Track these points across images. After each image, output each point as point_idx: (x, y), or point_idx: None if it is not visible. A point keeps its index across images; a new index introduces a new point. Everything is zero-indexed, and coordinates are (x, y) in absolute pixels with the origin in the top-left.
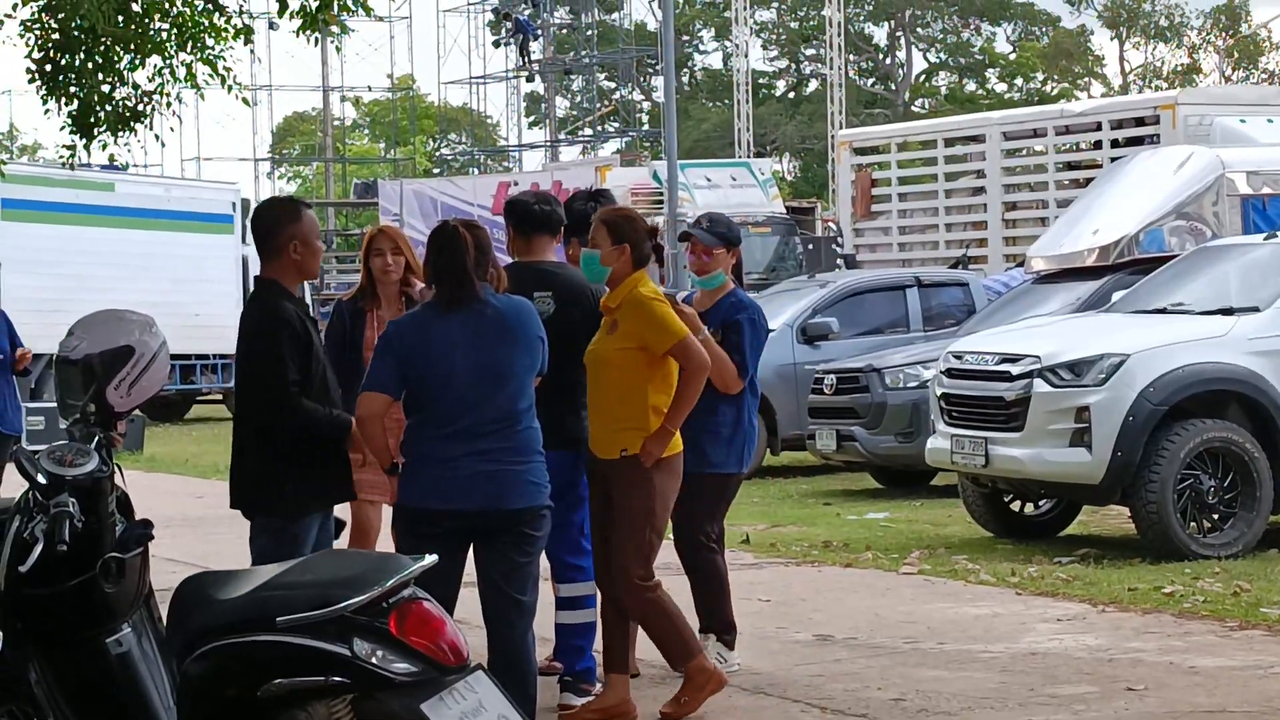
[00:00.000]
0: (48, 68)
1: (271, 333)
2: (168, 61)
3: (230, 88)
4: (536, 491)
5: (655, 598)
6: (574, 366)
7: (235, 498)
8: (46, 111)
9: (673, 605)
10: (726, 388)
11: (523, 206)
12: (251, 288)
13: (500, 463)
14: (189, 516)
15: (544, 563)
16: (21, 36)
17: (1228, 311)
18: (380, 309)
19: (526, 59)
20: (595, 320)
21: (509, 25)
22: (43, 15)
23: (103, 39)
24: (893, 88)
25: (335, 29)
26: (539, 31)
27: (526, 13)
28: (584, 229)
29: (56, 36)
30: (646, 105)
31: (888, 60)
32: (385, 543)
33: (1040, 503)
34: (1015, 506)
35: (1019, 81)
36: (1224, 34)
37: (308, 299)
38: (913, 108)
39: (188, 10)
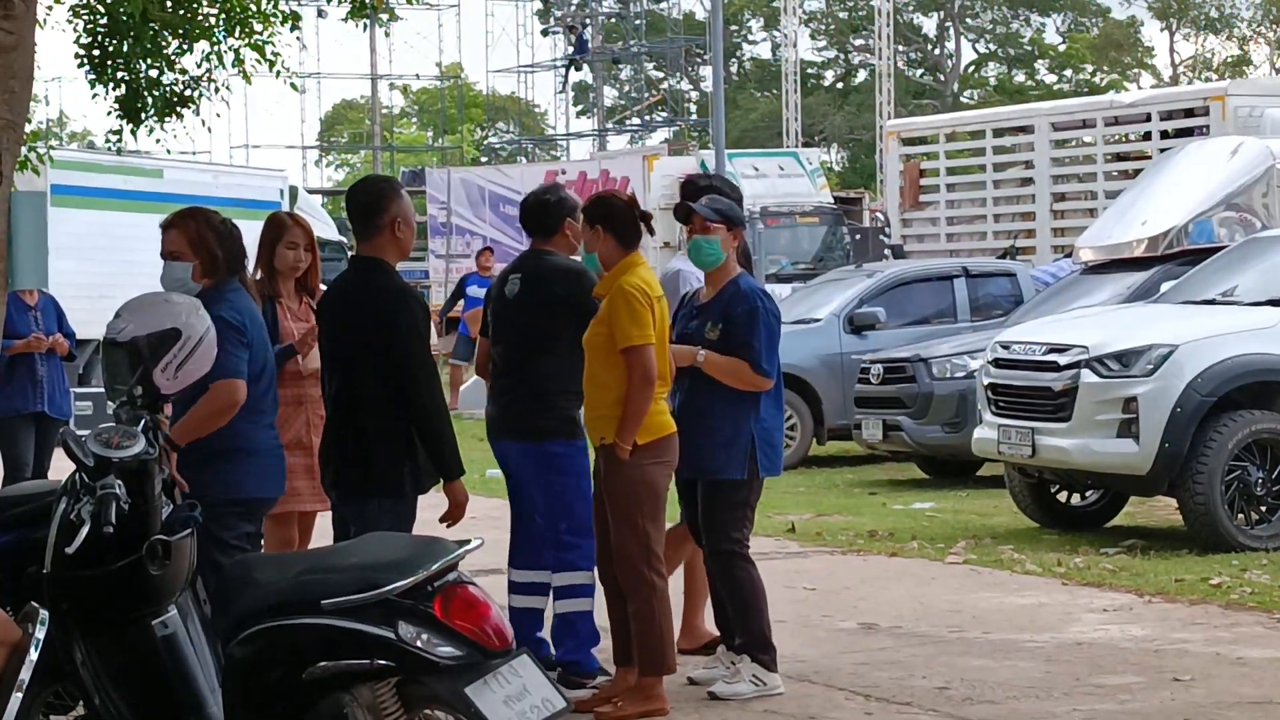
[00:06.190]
0: (96, 53)
1: (412, 310)
2: (215, 47)
3: (278, 73)
4: None
5: (653, 596)
6: (534, 351)
7: (356, 479)
8: (94, 96)
9: (668, 613)
10: (756, 387)
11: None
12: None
13: None
14: None
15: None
16: (70, 22)
17: (1276, 303)
18: (286, 299)
19: (570, 68)
20: (566, 307)
21: (570, 37)
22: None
23: (151, 24)
24: (941, 78)
25: (384, 16)
26: (591, 56)
27: (586, 33)
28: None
29: (105, 21)
30: (694, 95)
31: (937, 51)
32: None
33: (1087, 493)
34: (1062, 497)
35: (1068, 72)
36: (1275, 25)
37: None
38: (961, 98)
39: None
